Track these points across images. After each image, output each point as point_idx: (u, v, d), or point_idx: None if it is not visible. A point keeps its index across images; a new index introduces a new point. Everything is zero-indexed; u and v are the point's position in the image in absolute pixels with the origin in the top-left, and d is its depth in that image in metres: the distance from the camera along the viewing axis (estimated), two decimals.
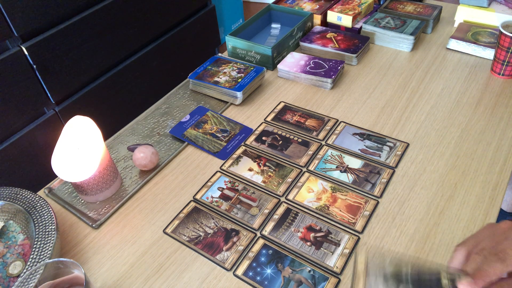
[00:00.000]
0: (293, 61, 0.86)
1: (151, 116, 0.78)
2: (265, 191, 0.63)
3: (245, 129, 0.73)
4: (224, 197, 0.62)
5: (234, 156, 0.69)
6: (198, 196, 0.63)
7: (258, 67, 0.82)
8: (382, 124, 0.73)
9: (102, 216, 0.61)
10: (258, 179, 0.64)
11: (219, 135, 0.72)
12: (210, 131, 0.73)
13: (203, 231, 0.58)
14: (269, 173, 0.65)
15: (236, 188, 0.63)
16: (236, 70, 0.82)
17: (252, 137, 0.72)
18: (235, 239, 0.56)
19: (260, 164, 0.66)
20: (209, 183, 0.65)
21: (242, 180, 0.65)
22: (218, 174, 0.66)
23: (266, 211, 0.59)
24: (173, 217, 0.60)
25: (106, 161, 0.61)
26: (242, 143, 0.71)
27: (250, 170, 0.66)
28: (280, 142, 0.71)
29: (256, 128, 0.74)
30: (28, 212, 0.55)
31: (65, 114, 1.25)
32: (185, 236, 0.57)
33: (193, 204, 0.62)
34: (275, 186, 0.63)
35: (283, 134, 0.72)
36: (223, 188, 0.63)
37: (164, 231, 0.58)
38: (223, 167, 0.67)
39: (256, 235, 0.57)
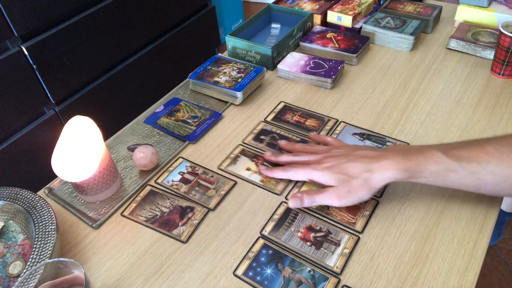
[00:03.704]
0: (293, 61, 0.86)
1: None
2: (264, 188, 0.63)
3: (215, 114, 0.76)
4: (184, 180, 0.65)
5: (232, 155, 0.69)
6: (159, 180, 0.66)
7: (258, 67, 0.82)
8: (382, 124, 0.73)
9: (102, 216, 0.61)
10: (256, 178, 0.65)
11: (190, 121, 0.75)
12: (181, 118, 0.75)
13: (159, 210, 0.61)
14: None
15: (196, 172, 0.66)
16: (236, 70, 0.82)
17: (251, 136, 0.72)
18: (190, 214, 0.60)
19: (258, 164, 0.67)
20: (170, 168, 0.67)
21: (240, 178, 0.65)
22: (180, 159, 0.69)
23: (223, 192, 0.63)
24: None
25: (106, 161, 0.61)
26: (241, 142, 0.71)
27: (248, 169, 0.66)
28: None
29: (255, 127, 0.74)
30: (28, 212, 0.55)
31: (65, 114, 1.25)
32: (142, 216, 0.60)
33: (149, 188, 0.65)
34: (273, 185, 0.63)
35: (282, 133, 0.72)
36: (184, 173, 0.66)
37: (121, 214, 0.61)
38: (220, 166, 0.67)
39: (209, 210, 0.60)
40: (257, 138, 0.72)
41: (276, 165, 0.65)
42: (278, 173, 0.62)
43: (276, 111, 0.77)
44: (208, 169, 0.66)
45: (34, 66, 1.12)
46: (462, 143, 0.53)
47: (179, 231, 0.58)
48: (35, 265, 0.49)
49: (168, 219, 0.60)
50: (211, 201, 0.62)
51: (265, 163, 0.66)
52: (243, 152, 0.69)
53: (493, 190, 0.52)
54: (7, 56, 1.05)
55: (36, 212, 0.55)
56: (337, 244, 0.55)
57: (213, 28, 1.79)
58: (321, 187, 0.59)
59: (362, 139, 0.70)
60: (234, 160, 0.68)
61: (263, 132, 0.73)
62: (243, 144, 0.71)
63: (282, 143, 0.68)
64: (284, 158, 0.64)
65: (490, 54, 0.85)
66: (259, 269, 0.53)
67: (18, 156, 1.16)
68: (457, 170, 0.51)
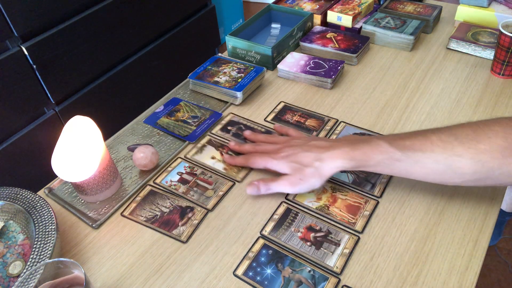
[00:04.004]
0: (293, 61, 0.86)
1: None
2: (225, 176, 0.65)
3: (215, 114, 0.76)
4: (182, 181, 0.65)
5: (199, 145, 0.71)
6: (157, 180, 0.66)
7: (258, 67, 0.82)
8: (382, 124, 0.73)
9: (102, 216, 0.61)
10: (220, 166, 0.67)
11: (190, 121, 0.75)
12: (181, 118, 0.76)
13: (159, 210, 0.61)
14: None
15: (194, 172, 0.66)
16: (236, 70, 0.82)
17: (218, 127, 0.74)
18: (190, 214, 0.60)
19: (223, 153, 0.69)
20: (169, 168, 0.67)
21: (204, 167, 0.67)
22: (179, 160, 0.69)
23: (221, 193, 0.63)
24: None
25: (106, 161, 0.61)
26: (208, 133, 0.73)
27: (213, 158, 0.68)
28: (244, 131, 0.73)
29: (223, 118, 0.76)
30: (28, 212, 0.55)
31: (65, 114, 1.25)
32: (142, 216, 0.60)
33: (149, 188, 0.65)
34: (235, 173, 0.66)
35: (248, 124, 0.74)
36: (182, 173, 0.66)
37: (121, 214, 0.61)
38: (187, 155, 0.69)
39: (208, 210, 0.61)
40: (224, 128, 0.73)
41: (240, 154, 0.68)
42: (240, 161, 0.65)
43: (276, 111, 0.77)
44: (207, 169, 0.66)
45: (34, 66, 1.12)
46: (409, 134, 0.55)
47: (179, 231, 0.58)
48: (35, 265, 0.49)
49: (168, 219, 0.60)
50: (209, 202, 0.62)
51: (229, 152, 0.69)
52: (209, 142, 0.71)
53: (439, 178, 0.53)
54: (7, 56, 1.05)
55: (36, 212, 0.55)
56: (337, 244, 0.55)
57: (213, 28, 1.79)
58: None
59: None
60: (201, 149, 0.70)
61: (231, 123, 0.75)
62: (210, 135, 0.72)
63: (247, 133, 0.71)
64: (246, 147, 0.67)
65: (490, 54, 0.85)
66: (259, 269, 0.53)
67: (18, 156, 1.16)
68: (402, 159, 0.53)
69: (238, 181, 0.64)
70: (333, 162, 0.56)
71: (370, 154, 0.54)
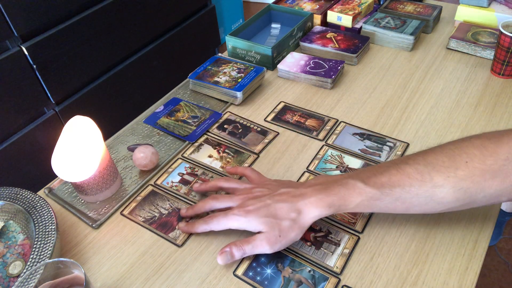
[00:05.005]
0: (293, 61, 0.86)
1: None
2: (223, 176, 0.65)
3: (215, 114, 0.77)
4: (183, 181, 0.65)
5: (196, 144, 0.71)
6: (158, 182, 0.65)
7: (258, 67, 0.82)
8: (382, 124, 0.73)
9: (102, 216, 0.61)
10: (217, 164, 0.67)
11: (190, 121, 0.75)
12: (181, 118, 0.76)
13: (158, 212, 0.61)
14: (228, 159, 0.68)
15: (195, 173, 0.66)
16: (236, 70, 0.82)
17: (215, 125, 0.75)
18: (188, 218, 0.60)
19: (220, 151, 0.69)
20: (170, 169, 0.67)
21: (201, 166, 0.67)
22: (179, 160, 0.69)
23: (222, 193, 0.63)
24: None
25: (106, 161, 0.61)
26: (205, 131, 0.73)
27: (210, 156, 0.69)
28: (240, 130, 0.73)
29: (220, 117, 0.76)
30: (28, 212, 0.55)
31: (65, 114, 1.25)
32: (141, 217, 0.60)
33: (150, 188, 0.65)
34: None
35: (244, 123, 0.75)
36: (183, 174, 0.66)
37: (121, 213, 0.61)
38: (184, 154, 0.69)
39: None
40: (221, 127, 0.74)
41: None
42: (201, 227, 0.56)
43: (276, 111, 0.77)
44: (208, 169, 0.66)
45: (34, 66, 1.12)
46: (382, 168, 0.52)
47: (175, 234, 0.57)
48: (35, 265, 0.49)
49: (166, 221, 0.59)
50: None
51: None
52: (206, 141, 0.71)
53: (421, 209, 0.51)
54: (7, 56, 1.05)
55: (36, 212, 0.55)
56: (337, 244, 0.55)
57: (213, 28, 1.79)
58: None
59: (362, 139, 0.70)
60: (198, 148, 0.70)
61: (227, 121, 0.75)
62: (207, 133, 0.73)
63: (196, 186, 0.62)
64: (199, 206, 0.58)
65: (490, 54, 0.85)
66: (259, 269, 0.53)
67: (18, 156, 1.16)
68: (381, 198, 0.50)
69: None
70: (311, 212, 0.51)
71: (347, 197, 0.51)
